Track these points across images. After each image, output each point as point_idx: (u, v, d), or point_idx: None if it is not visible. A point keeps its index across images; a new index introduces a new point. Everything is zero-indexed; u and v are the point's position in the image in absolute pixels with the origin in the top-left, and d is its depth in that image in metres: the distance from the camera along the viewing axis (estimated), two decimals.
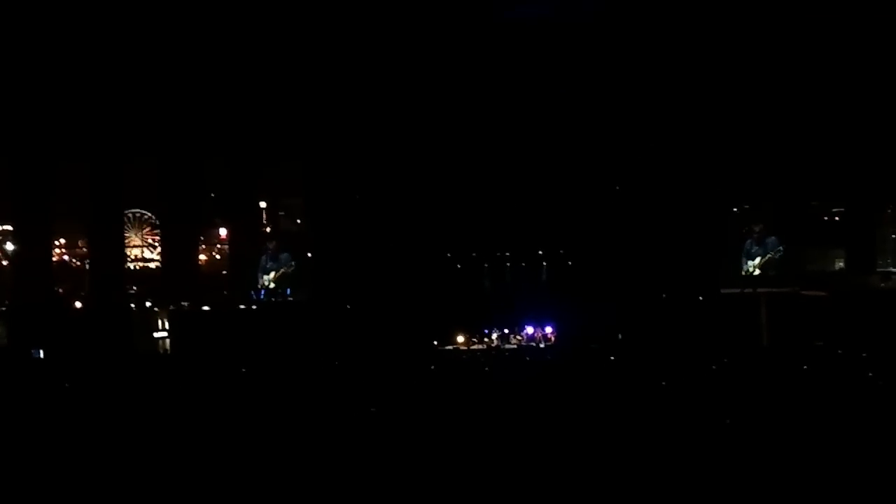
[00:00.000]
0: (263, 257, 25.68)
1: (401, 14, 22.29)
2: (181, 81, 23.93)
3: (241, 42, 23.15)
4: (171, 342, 25.53)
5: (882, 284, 23.94)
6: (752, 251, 24.07)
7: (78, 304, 26.43)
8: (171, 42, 22.96)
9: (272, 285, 25.53)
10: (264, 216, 27.81)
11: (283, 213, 28.37)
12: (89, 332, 23.79)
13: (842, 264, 24.82)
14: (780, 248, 23.85)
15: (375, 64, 23.56)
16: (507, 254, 26.12)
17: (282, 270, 25.51)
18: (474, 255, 26.05)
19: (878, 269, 24.26)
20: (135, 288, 26.98)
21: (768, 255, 23.93)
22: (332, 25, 22.72)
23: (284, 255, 25.67)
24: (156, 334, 25.62)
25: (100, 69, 23.47)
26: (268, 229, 27.47)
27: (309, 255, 26.50)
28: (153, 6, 22.13)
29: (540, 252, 25.92)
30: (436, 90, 23.98)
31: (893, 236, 24.60)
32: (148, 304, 26.57)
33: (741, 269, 24.08)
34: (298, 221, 28.23)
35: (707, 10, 22.02)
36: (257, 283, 25.47)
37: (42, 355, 23.52)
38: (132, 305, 26.30)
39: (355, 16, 22.41)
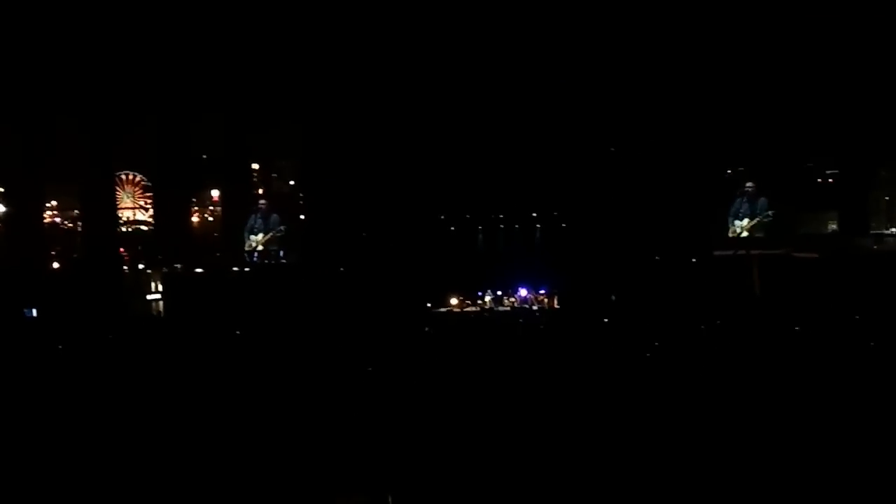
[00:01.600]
0: (252, 216, 25.59)
1: None
2: (175, 43, 23.64)
3: (237, 4, 22.85)
4: (164, 304, 25.50)
5: (875, 246, 23.98)
6: (741, 211, 24.08)
7: (68, 266, 26.36)
8: (166, 4, 22.65)
9: (259, 247, 25.46)
10: (256, 178, 27.71)
11: (275, 175, 28.25)
12: (81, 294, 23.73)
13: (835, 226, 24.83)
14: (770, 212, 23.84)
15: (369, 28, 23.31)
16: (501, 216, 26.05)
17: (270, 234, 25.43)
18: (468, 217, 25.98)
19: (872, 231, 24.29)
20: (124, 250, 26.90)
21: (757, 218, 23.94)
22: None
23: (274, 217, 25.57)
24: (149, 296, 25.59)
25: (93, 31, 23.17)
26: (260, 191, 27.36)
27: (301, 217, 26.42)
28: None
29: (534, 214, 25.86)
30: (430, 53, 23.77)
31: (886, 198, 24.60)
32: (140, 266, 26.52)
33: (728, 230, 24.12)
34: (291, 183, 28.12)
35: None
36: (244, 243, 25.39)
37: (35, 315, 23.53)
38: (125, 268, 26.23)
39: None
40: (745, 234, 24.14)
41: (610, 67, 23.80)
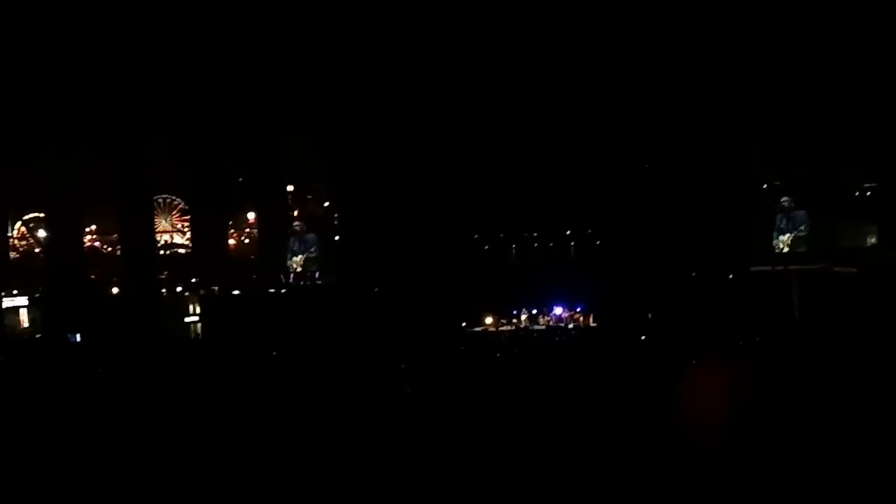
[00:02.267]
0: (291, 239, 25.79)
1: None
2: (210, 66, 23.98)
3: (268, 27, 23.15)
4: (202, 326, 25.76)
5: None
6: (782, 226, 23.83)
7: (111, 290, 26.75)
8: (197, 29, 23.00)
9: (299, 269, 25.64)
10: (291, 200, 27.95)
11: (310, 197, 28.49)
12: (122, 318, 24.06)
13: (874, 240, 24.50)
14: (803, 226, 23.57)
15: (398, 48, 23.48)
16: (535, 234, 26.02)
17: (306, 255, 25.61)
18: (502, 235, 25.98)
19: None
20: (165, 273, 27.24)
21: (794, 233, 23.68)
22: (355, 11, 22.63)
23: (311, 237, 25.74)
24: (187, 319, 25.87)
25: (130, 55, 23.57)
26: (295, 213, 27.60)
27: (336, 238, 26.59)
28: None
29: (568, 232, 25.79)
30: (463, 69, 23.86)
31: None
32: (178, 288, 26.83)
33: (772, 245, 23.83)
34: (326, 205, 28.34)
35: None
36: (286, 264, 25.56)
37: (78, 340, 23.88)
38: (163, 290, 26.55)
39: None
40: (786, 248, 23.85)
41: (645, 83, 23.75)
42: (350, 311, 23.98)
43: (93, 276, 27.08)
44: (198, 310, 26.06)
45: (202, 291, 26.17)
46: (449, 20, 22.85)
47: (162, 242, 28.33)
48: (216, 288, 26.16)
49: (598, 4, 22.61)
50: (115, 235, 27.83)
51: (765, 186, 24.74)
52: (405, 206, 25.11)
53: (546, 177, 24.80)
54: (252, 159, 26.61)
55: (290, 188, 27.95)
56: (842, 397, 10.67)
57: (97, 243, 28.59)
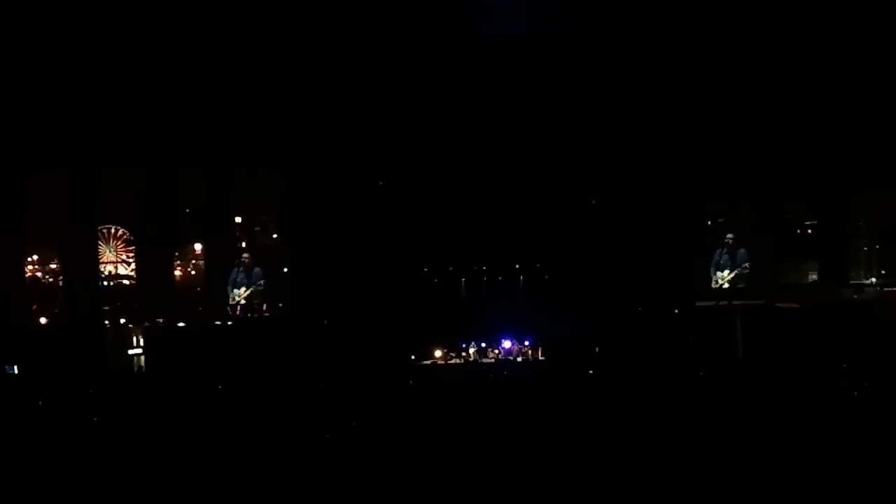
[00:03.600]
0: (235, 270, 25.48)
1: (381, 28, 22.31)
2: (157, 96, 23.77)
3: (219, 57, 23.05)
4: (145, 359, 25.27)
5: (855, 296, 24.19)
6: (722, 262, 24.26)
7: (49, 321, 26.12)
8: (148, 57, 22.81)
9: (242, 301, 25.35)
10: (239, 231, 27.68)
11: (258, 229, 28.25)
12: (62, 349, 23.49)
13: (815, 277, 25.05)
14: (747, 263, 24.05)
15: (353, 79, 23.54)
16: (484, 267, 26.11)
17: (252, 287, 25.33)
18: (451, 269, 26.03)
19: (852, 282, 24.51)
20: (107, 306, 26.69)
21: (737, 270, 24.13)
22: (313, 41, 22.68)
23: (257, 270, 25.47)
24: (130, 351, 25.36)
25: (74, 82, 23.26)
26: (243, 244, 27.33)
27: (285, 269, 26.37)
28: (129, 21, 21.96)
29: (517, 266, 25.94)
30: (413, 105, 24.01)
31: (865, 249, 24.88)
32: (122, 320, 26.31)
33: (711, 280, 24.26)
34: (274, 236, 28.11)
35: (682, 27, 22.21)
36: (228, 297, 25.26)
37: (16, 371, 23.24)
38: (106, 322, 26.01)
39: (337, 30, 22.38)
40: (726, 284, 24.28)
41: (592, 120, 24.10)
42: (298, 344, 23.76)
43: (34, 307, 26.44)
44: (142, 342, 25.55)
45: (146, 323, 25.69)
46: (396, 60, 23.03)
47: (106, 273, 27.80)
48: (161, 320, 25.71)
49: (543, 49, 22.93)
50: (57, 265, 27.25)
51: (709, 223, 25.20)
52: (355, 239, 25.04)
53: (495, 211, 24.96)
54: (200, 190, 26.34)
55: (237, 219, 27.67)
56: (784, 429, 10.84)
57: (38, 273, 27.97)
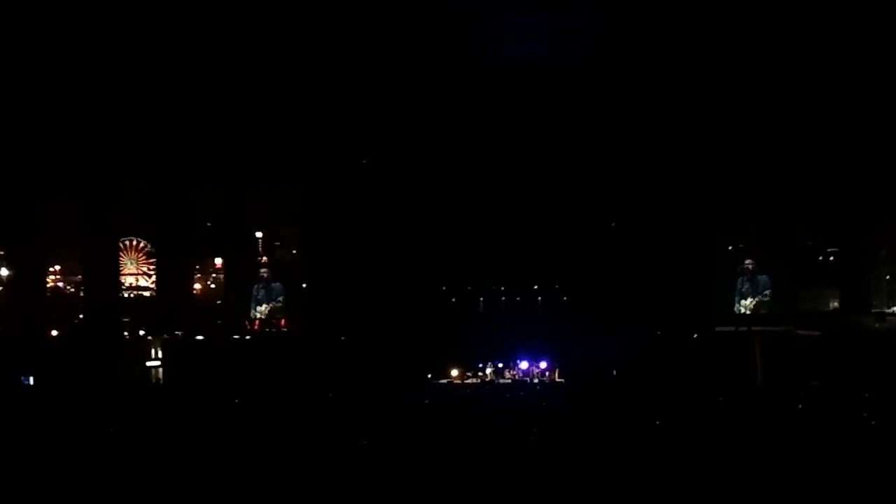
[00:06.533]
0: (256, 286, 25.56)
1: (397, 50, 22.44)
2: (181, 111, 23.98)
3: (245, 74, 23.24)
4: (163, 371, 25.36)
5: (877, 325, 23.94)
6: (744, 290, 24.08)
7: (69, 331, 26.26)
8: (168, 72, 23.03)
9: (264, 317, 25.41)
10: (260, 246, 27.81)
11: (278, 244, 28.37)
12: (80, 360, 23.61)
13: (836, 304, 24.83)
14: (768, 291, 23.86)
15: (377, 97, 23.66)
16: (503, 287, 26.06)
17: (272, 304, 25.38)
18: (469, 288, 25.99)
19: (873, 310, 24.27)
20: (127, 318, 26.84)
21: (759, 296, 23.95)
22: (328, 59, 22.82)
23: (276, 285, 25.55)
24: (148, 363, 25.44)
25: (97, 94, 23.50)
26: (263, 259, 27.44)
27: (304, 285, 26.45)
28: (147, 37, 22.17)
29: (535, 286, 25.87)
30: (432, 124, 24.09)
31: (888, 277, 24.65)
32: (141, 332, 26.45)
33: (734, 307, 24.08)
34: (294, 252, 28.22)
35: (702, 50, 22.19)
36: (250, 312, 25.32)
37: (31, 382, 23.32)
38: (125, 333, 26.15)
39: (351, 50, 22.53)
40: (747, 312, 24.08)
41: (614, 143, 24.09)
42: (315, 360, 23.76)
43: (55, 317, 26.62)
44: (160, 354, 25.65)
45: (165, 335, 25.81)
46: (415, 79, 23.12)
47: (126, 285, 27.98)
48: (179, 333, 25.82)
49: (566, 67, 22.95)
50: (80, 276, 27.46)
51: (730, 248, 25.06)
52: (374, 255, 25.08)
53: (515, 231, 24.94)
54: (221, 204, 26.51)
55: (258, 234, 27.80)
56: (803, 456, 10.71)
57: (60, 283, 28.18)
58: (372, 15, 21.44)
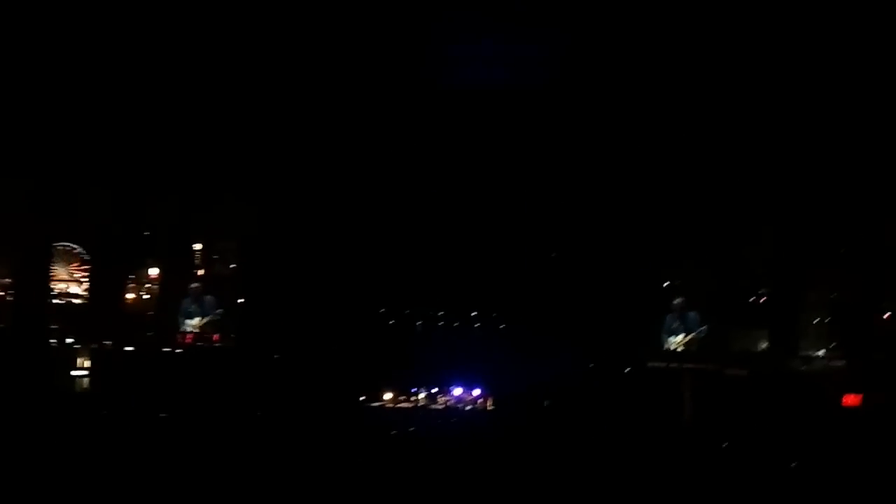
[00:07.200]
0: (186, 300, 25.06)
1: (347, 71, 22.48)
2: (122, 117, 23.66)
3: (192, 82, 23.04)
4: (90, 381, 24.85)
5: (803, 368, 24.49)
6: (674, 327, 24.42)
7: None
8: (111, 75, 22.72)
9: (196, 331, 24.96)
10: (198, 259, 27.44)
11: (216, 257, 28.03)
12: (4, 366, 23.00)
13: (766, 345, 25.34)
14: (703, 327, 24.26)
15: (315, 115, 23.64)
16: (441, 312, 26.13)
17: (207, 318, 24.93)
18: (408, 311, 26.01)
19: (801, 353, 24.83)
20: (56, 325, 26.22)
21: (692, 334, 24.31)
22: (279, 72, 22.77)
23: (209, 299, 25.08)
24: (73, 372, 24.91)
25: (35, 99, 23.07)
26: (200, 272, 27.08)
27: (239, 301, 26.15)
28: (93, 43, 21.88)
29: (474, 314, 26.00)
30: (372, 146, 24.14)
31: (815, 321, 25.25)
32: (69, 340, 25.87)
33: (663, 343, 24.37)
34: (232, 266, 27.90)
35: (647, 87, 22.61)
36: (179, 327, 24.81)
37: None
38: (53, 341, 25.55)
39: (304, 67, 22.52)
40: (680, 348, 24.43)
41: (552, 173, 24.37)
42: (247, 376, 23.51)
43: None
44: (88, 364, 25.11)
45: (94, 345, 25.27)
46: (357, 101, 23.18)
47: (57, 291, 27.35)
48: (109, 342, 25.31)
49: (511, 101, 23.20)
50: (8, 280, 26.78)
51: (665, 284, 25.44)
52: (315, 274, 24.97)
53: (455, 257, 25.07)
54: (161, 213, 26.14)
55: (197, 246, 27.43)
56: (725, 495, 10.92)
57: None
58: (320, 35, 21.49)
